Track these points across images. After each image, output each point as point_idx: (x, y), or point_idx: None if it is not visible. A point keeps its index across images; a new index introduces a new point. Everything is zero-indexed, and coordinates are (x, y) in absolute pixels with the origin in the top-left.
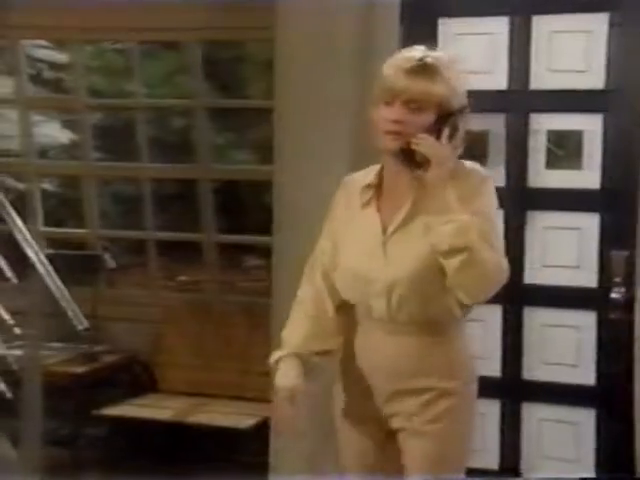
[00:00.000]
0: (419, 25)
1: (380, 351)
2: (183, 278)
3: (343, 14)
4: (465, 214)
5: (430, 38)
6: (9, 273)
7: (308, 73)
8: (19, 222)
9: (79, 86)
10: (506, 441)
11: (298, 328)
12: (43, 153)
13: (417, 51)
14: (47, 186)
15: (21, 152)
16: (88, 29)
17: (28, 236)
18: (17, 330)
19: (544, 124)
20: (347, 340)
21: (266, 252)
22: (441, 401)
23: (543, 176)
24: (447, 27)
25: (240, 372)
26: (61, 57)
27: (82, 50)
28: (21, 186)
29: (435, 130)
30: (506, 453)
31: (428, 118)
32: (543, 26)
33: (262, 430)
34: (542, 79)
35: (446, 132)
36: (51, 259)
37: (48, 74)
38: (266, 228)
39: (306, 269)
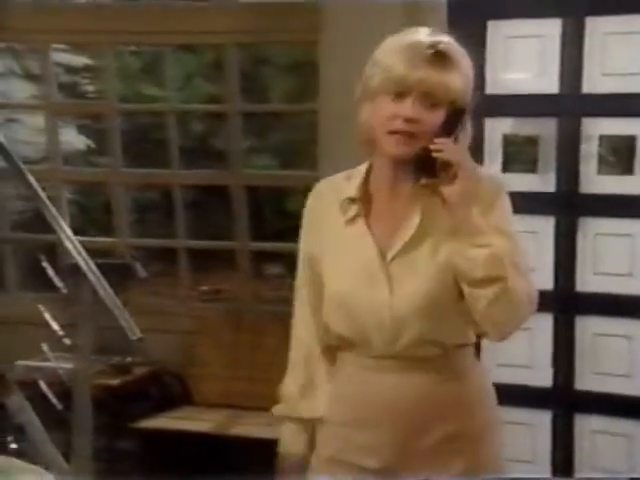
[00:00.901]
0: (468, 27)
1: (383, 393)
2: (214, 287)
3: (389, 16)
4: (496, 237)
5: (479, 41)
6: (58, 283)
7: (353, 76)
8: (68, 231)
9: (108, 91)
10: (558, 453)
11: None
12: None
13: (423, 34)
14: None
15: (48, 159)
16: (115, 32)
17: (78, 245)
18: (67, 341)
19: (596, 129)
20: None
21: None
22: (465, 447)
23: (595, 182)
24: (497, 29)
25: (275, 383)
26: (77, 60)
27: (111, 54)
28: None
29: (446, 131)
30: (558, 466)
31: (440, 116)
32: (596, 28)
33: None
34: (595, 82)
35: (463, 134)
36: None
37: (64, 78)
38: (286, 235)
39: (296, 302)
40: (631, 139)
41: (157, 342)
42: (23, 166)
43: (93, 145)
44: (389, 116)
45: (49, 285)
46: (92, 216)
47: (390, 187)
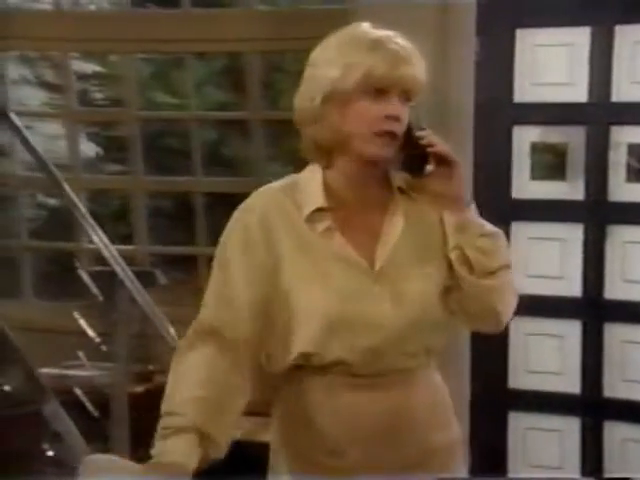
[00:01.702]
0: (497, 36)
1: (359, 413)
2: None
3: (417, 24)
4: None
5: (508, 49)
6: (95, 290)
7: None
8: (105, 239)
9: (128, 98)
10: (587, 459)
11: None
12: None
13: (368, 28)
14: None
15: (67, 166)
16: (133, 40)
17: (115, 253)
18: (103, 348)
19: (625, 137)
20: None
21: None
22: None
23: (623, 190)
24: (525, 37)
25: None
26: (87, 67)
27: (130, 62)
28: (53, 202)
29: (412, 127)
30: (586, 472)
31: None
32: (626, 36)
33: None
34: (624, 91)
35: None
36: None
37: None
38: None
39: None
40: None
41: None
42: (59, 174)
43: (102, 152)
44: (375, 117)
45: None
46: (106, 223)
47: (360, 193)
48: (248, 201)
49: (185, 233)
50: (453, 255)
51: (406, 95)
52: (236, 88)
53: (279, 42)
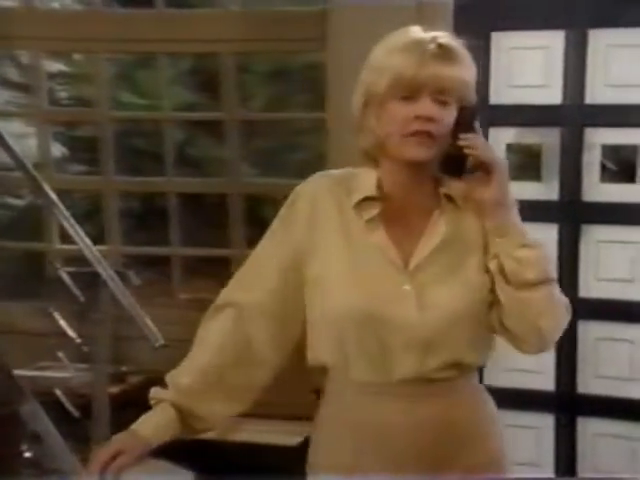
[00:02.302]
0: (472, 39)
1: (401, 424)
2: (211, 296)
3: (393, 27)
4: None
5: (484, 51)
6: (76, 291)
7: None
8: (87, 239)
9: (101, 98)
10: (561, 456)
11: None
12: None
13: (418, 31)
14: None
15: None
16: (106, 40)
17: (97, 253)
18: (84, 349)
19: (599, 138)
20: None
21: None
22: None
23: (597, 190)
24: (501, 40)
25: (269, 390)
26: (52, 66)
27: (102, 62)
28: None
29: (463, 129)
30: (561, 468)
31: (453, 114)
32: (599, 40)
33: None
34: (597, 93)
35: (479, 130)
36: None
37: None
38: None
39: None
40: (633, 148)
41: (151, 351)
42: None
43: (67, 153)
44: (405, 118)
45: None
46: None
47: (406, 196)
48: (304, 183)
49: (155, 233)
50: (492, 264)
51: (443, 95)
52: (204, 88)
53: (254, 43)
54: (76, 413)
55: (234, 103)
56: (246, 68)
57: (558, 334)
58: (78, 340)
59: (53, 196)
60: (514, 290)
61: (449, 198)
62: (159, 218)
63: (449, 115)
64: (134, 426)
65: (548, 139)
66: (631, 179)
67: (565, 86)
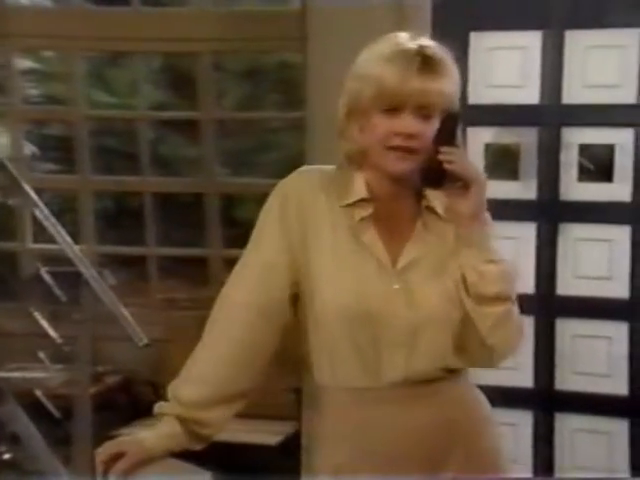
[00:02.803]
0: (450, 39)
1: (398, 427)
2: (186, 295)
3: (371, 27)
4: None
5: (461, 52)
6: (57, 291)
7: (339, 85)
8: (68, 238)
9: (75, 96)
10: (539, 452)
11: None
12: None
13: (405, 39)
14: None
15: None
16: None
17: (79, 253)
18: (66, 349)
19: (576, 138)
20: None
21: None
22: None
23: (575, 189)
24: (479, 41)
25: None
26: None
27: (76, 59)
28: None
29: (444, 140)
30: (539, 464)
31: (435, 125)
32: (576, 41)
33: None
34: (574, 94)
35: (460, 141)
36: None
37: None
38: (238, 242)
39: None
40: (609, 148)
41: (128, 351)
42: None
43: (38, 152)
44: (386, 132)
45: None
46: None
47: (389, 197)
48: (290, 176)
49: (126, 233)
50: (457, 274)
51: (426, 109)
52: (175, 87)
53: (232, 42)
54: (57, 414)
55: (210, 102)
56: (219, 66)
57: (508, 354)
58: (59, 340)
59: (33, 195)
60: (472, 302)
61: (430, 209)
62: (130, 217)
63: (431, 128)
64: (141, 434)
65: (526, 139)
66: (608, 178)
67: (543, 86)
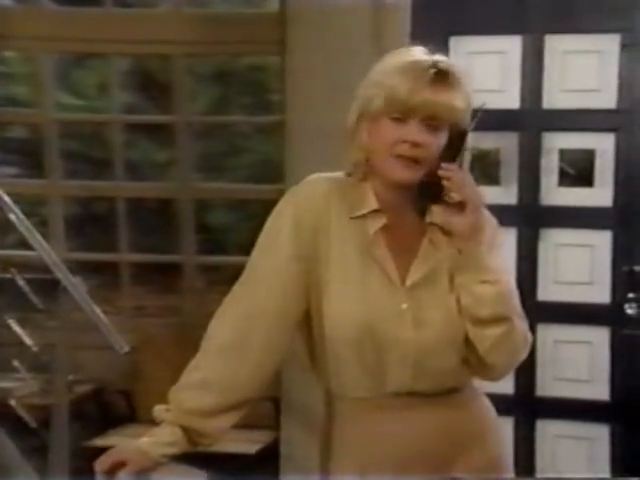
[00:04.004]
0: (429, 43)
1: (406, 432)
2: (158, 303)
3: (351, 31)
4: (500, 274)
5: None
6: (34, 299)
7: (319, 88)
8: (45, 245)
9: (42, 99)
10: (520, 459)
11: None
12: None
13: (421, 53)
14: None
15: None
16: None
17: (57, 260)
18: (42, 357)
19: (556, 143)
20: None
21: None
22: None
23: (556, 194)
24: (459, 45)
25: None
26: None
27: (44, 62)
28: None
29: (449, 155)
30: (520, 471)
31: (443, 139)
32: (556, 46)
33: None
34: (555, 98)
35: (465, 157)
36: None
37: None
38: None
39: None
40: (590, 153)
41: (99, 359)
42: None
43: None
44: (394, 140)
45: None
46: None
47: (394, 212)
48: (302, 184)
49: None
50: (454, 295)
51: (434, 120)
52: (143, 90)
53: (206, 45)
54: (33, 424)
55: (184, 106)
56: (189, 69)
57: (511, 368)
58: (35, 348)
59: (7, 200)
60: (470, 325)
61: (435, 225)
62: (99, 223)
63: (439, 139)
64: (140, 441)
65: (506, 144)
66: (589, 183)
67: (523, 91)
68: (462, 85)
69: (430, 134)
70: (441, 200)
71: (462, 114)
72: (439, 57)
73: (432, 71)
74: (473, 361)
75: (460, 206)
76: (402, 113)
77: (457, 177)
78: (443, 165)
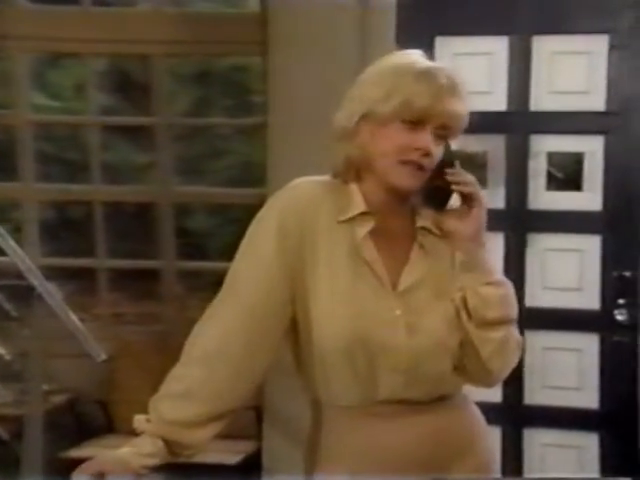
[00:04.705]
0: (416, 44)
1: (399, 439)
2: (136, 310)
3: (336, 32)
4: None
5: (427, 57)
6: (7, 306)
7: (302, 89)
8: (19, 251)
9: (16, 100)
10: (508, 468)
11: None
12: None
13: (422, 57)
14: None
15: None
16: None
17: (32, 266)
18: (16, 367)
19: (544, 146)
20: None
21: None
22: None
23: (543, 198)
24: (444, 46)
25: None
26: None
27: (19, 62)
28: None
29: (444, 162)
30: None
31: (441, 148)
32: (543, 47)
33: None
34: (542, 100)
35: (458, 165)
36: None
37: None
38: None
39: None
40: (578, 156)
41: (75, 368)
42: None
43: None
44: (404, 146)
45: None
46: None
47: (384, 215)
48: (287, 188)
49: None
50: (456, 298)
51: (444, 130)
52: (120, 91)
53: (186, 45)
54: (5, 435)
55: (163, 107)
56: (168, 70)
57: (506, 373)
58: (8, 357)
59: None
60: (473, 327)
61: (426, 229)
62: (76, 228)
63: (440, 150)
64: (121, 451)
65: (493, 146)
66: (577, 187)
67: (510, 92)
68: (464, 94)
69: (436, 142)
70: (445, 206)
71: (465, 124)
72: (437, 64)
73: (444, 80)
74: (470, 367)
75: (465, 209)
76: (417, 119)
77: (467, 179)
78: (449, 171)
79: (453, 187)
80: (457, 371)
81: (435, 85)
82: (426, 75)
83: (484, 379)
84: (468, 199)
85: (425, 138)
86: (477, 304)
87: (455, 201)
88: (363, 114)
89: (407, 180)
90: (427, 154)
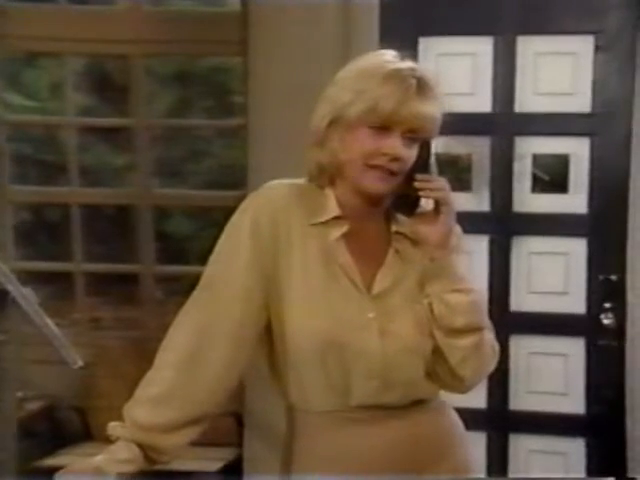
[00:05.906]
0: (399, 44)
1: (374, 445)
2: (114, 315)
3: (319, 31)
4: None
5: (411, 57)
6: None
7: (282, 90)
8: None
9: None
10: (493, 475)
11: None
12: None
13: (394, 57)
14: None
15: None
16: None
17: (6, 270)
18: None
19: (529, 147)
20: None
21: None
22: None
23: (529, 200)
24: (428, 46)
25: None
26: None
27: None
28: None
29: (421, 165)
30: None
31: (416, 150)
32: (528, 47)
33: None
34: (527, 102)
35: (434, 168)
36: None
37: None
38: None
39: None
40: (564, 158)
41: (51, 375)
42: None
43: None
44: (372, 150)
45: None
46: None
47: (358, 219)
48: (260, 191)
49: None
50: (425, 304)
51: (414, 133)
52: (98, 91)
53: (165, 45)
54: None
55: (142, 108)
56: (147, 70)
57: (480, 380)
58: None
59: None
60: (441, 334)
61: (401, 234)
62: (48, 231)
63: (414, 153)
64: (97, 458)
65: (478, 148)
66: (563, 189)
67: (494, 94)
68: (437, 94)
69: (408, 147)
70: (414, 211)
71: (438, 125)
72: (411, 64)
73: (413, 82)
74: (442, 374)
75: (433, 214)
76: (385, 124)
77: (436, 185)
78: (418, 176)
79: (420, 193)
80: (429, 377)
81: (402, 88)
82: (394, 77)
83: (456, 385)
84: (436, 204)
85: (393, 143)
86: (442, 311)
87: (428, 204)
88: (332, 118)
89: (377, 184)
90: (395, 159)
